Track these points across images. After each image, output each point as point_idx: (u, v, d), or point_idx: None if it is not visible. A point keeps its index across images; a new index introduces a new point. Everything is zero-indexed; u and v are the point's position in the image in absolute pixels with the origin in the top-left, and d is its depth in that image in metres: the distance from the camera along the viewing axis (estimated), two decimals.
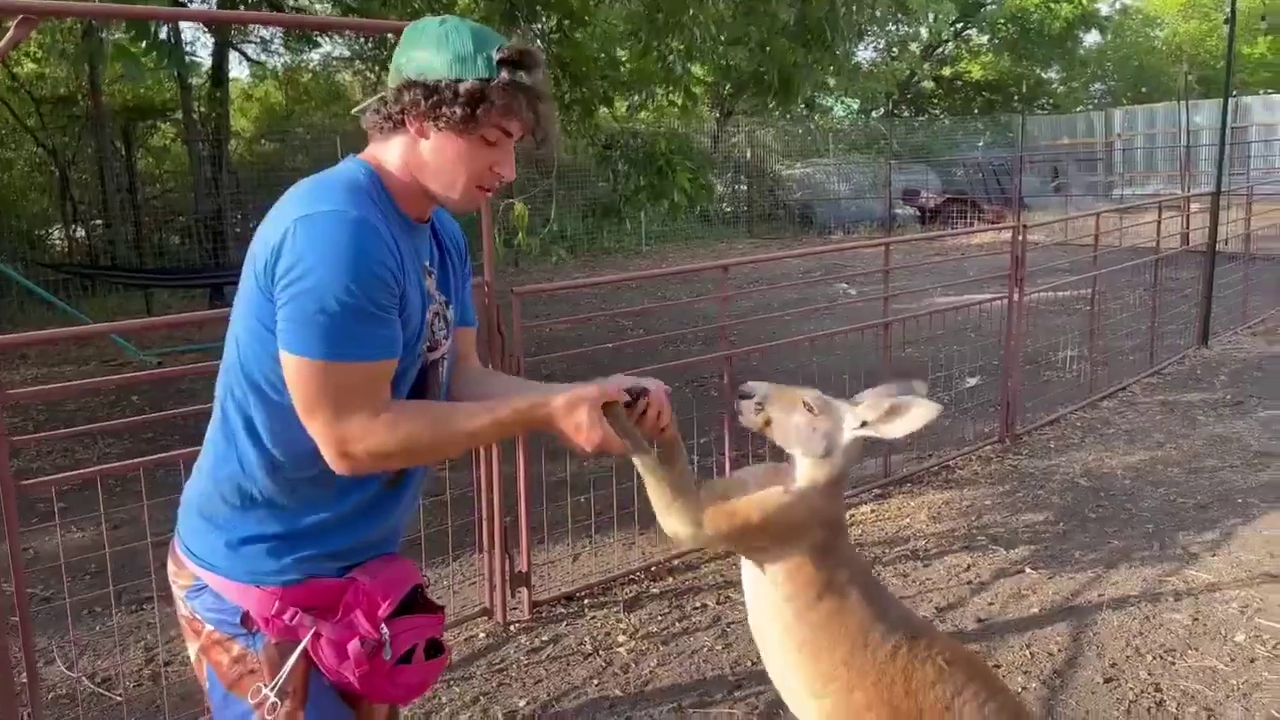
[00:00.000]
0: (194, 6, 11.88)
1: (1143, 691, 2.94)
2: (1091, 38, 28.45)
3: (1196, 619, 3.37)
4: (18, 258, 12.08)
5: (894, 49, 27.10)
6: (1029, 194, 20.68)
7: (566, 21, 6.72)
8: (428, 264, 1.57)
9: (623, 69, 6.96)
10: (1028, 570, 3.80)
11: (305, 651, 1.48)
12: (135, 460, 2.89)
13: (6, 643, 2.50)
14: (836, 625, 1.81)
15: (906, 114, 28.27)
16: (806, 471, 1.85)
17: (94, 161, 13.91)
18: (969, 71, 28.38)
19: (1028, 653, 3.19)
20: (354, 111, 1.56)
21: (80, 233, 14.31)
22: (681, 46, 5.94)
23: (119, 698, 3.12)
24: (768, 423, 1.86)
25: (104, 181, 13.59)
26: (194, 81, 14.66)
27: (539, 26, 6.82)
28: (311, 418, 1.40)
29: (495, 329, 3.34)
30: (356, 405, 1.39)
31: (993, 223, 16.51)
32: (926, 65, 27.38)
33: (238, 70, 18.23)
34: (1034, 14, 25.18)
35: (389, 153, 1.51)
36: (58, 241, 14.36)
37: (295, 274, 1.35)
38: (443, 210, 1.62)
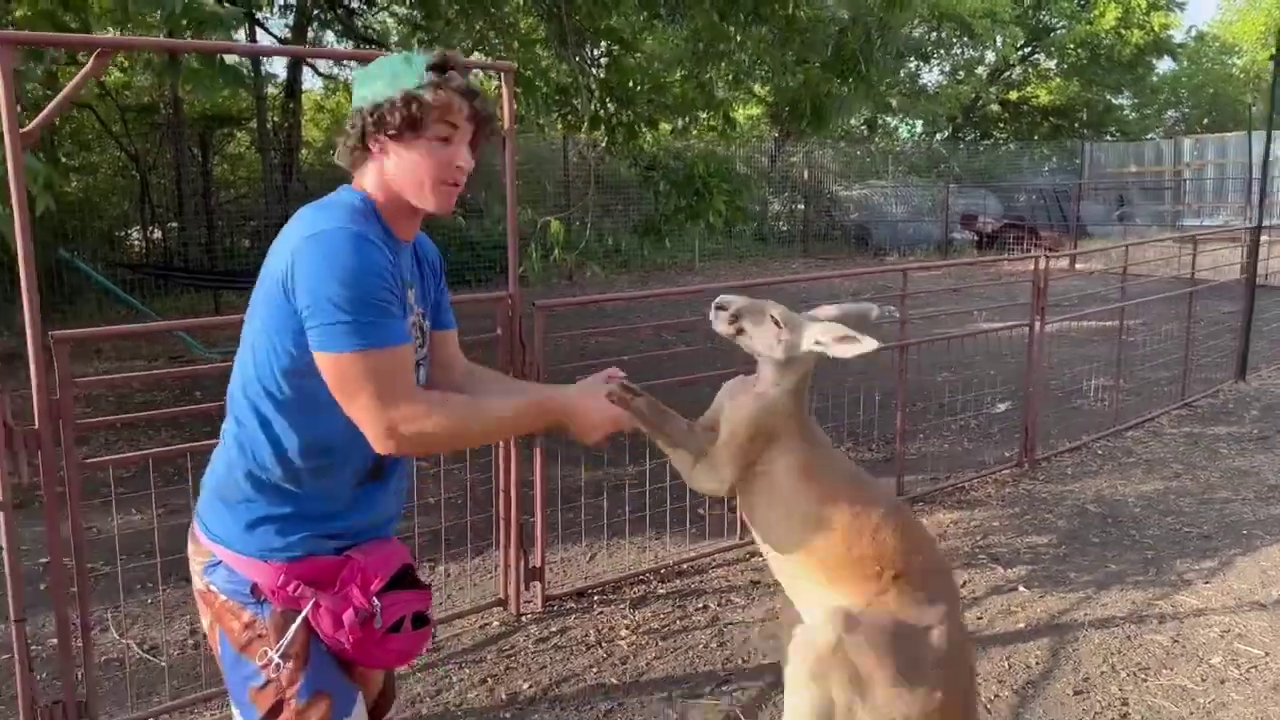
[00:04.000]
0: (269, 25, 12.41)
1: (1109, 705, 3.08)
2: (1165, 64, 28.07)
3: (1176, 641, 3.49)
4: (98, 257, 12.73)
5: (960, 72, 27.04)
6: (1092, 222, 20.49)
7: (616, 48, 7.01)
8: (408, 278, 1.82)
9: (668, 95, 7.22)
10: (1021, 588, 3.94)
11: (306, 620, 1.72)
12: (183, 445, 3.20)
13: (65, 611, 2.82)
14: (827, 497, 2.16)
15: (971, 137, 28.13)
16: (771, 374, 2.20)
17: (172, 167, 14.59)
18: (1036, 96, 28.14)
19: (1006, 664, 3.35)
20: (334, 157, 1.80)
21: (157, 234, 14.99)
22: (721, 72, 6.17)
23: (163, 663, 3.44)
24: (739, 331, 2.21)
25: (180, 186, 14.26)
26: (269, 92, 15.32)
27: (590, 53, 7.11)
28: (354, 404, 1.63)
29: (518, 340, 3.59)
30: (396, 389, 1.63)
31: (1050, 250, 16.44)
32: (993, 89, 27.26)
33: (311, 82, 18.90)
34: (1104, 39, 24.92)
35: (368, 179, 1.76)
36: (136, 243, 15.06)
37: (311, 285, 1.59)
38: (422, 234, 1.88)
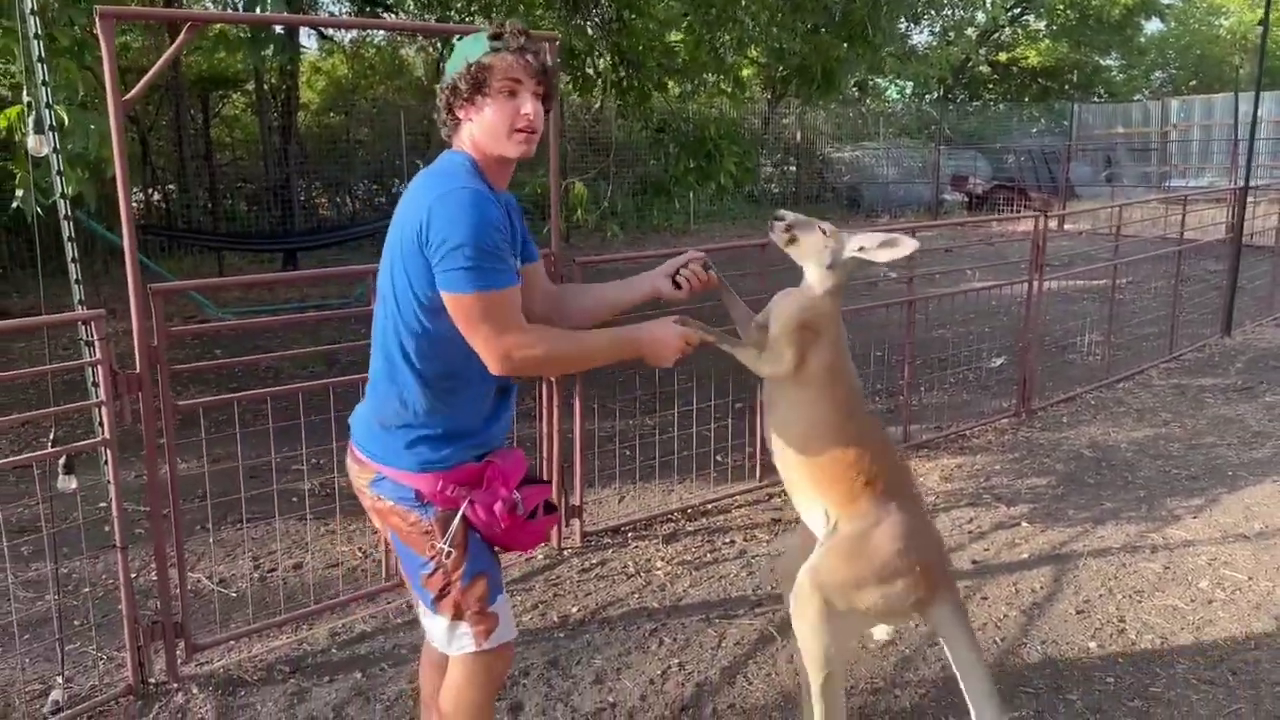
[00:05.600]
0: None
1: (1108, 621, 3.40)
2: (1153, 25, 28.21)
3: (1168, 568, 3.81)
4: (101, 218, 12.84)
5: (950, 33, 27.12)
6: (1080, 183, 20.76)
7: (626, 11, 7.18)
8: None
9: (678, 58, 7.40)
10: (1024, 524, 4.25)
11: (464, 516, 2.05)
12: (294, 385, 3.44)
13: (164, 542, 3.08)
14: (839, 395, 2.48)
15: (960, 99, 28.27)
16: (816, 278, 2.49)
17: (172, 129, 14.64)
18: (1025, 57, 28.25)
19: (1013, 589, 3.66)
20: (442, 131, 2.11)
21: (157, 196, 15.07)
22: (732, 38, 6.35)
23: (233, 594, 3.71)
24: (792, 240, 2.51)
25: (181, 148, 14.33)
26: (266, 54, 15.34)
27: (599, 15, 7.28)
28: (476, 336, 1.93)
29: None
30: (509, 322, 1.93)
31: (1044, 212, 16.71)
32: (982, 50, 27.34)
33: (307, 43, 18.88)
34: (1093, 0, 25.04)
35: (464, 144, 2.06)
36: (137, 204, 15.14)
37: (442, 237, 1.88)
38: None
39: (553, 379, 3.89)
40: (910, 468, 2.76)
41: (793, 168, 21.16)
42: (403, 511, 2.06)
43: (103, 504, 3.27)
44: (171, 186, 14.94)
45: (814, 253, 2.48)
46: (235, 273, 12.18)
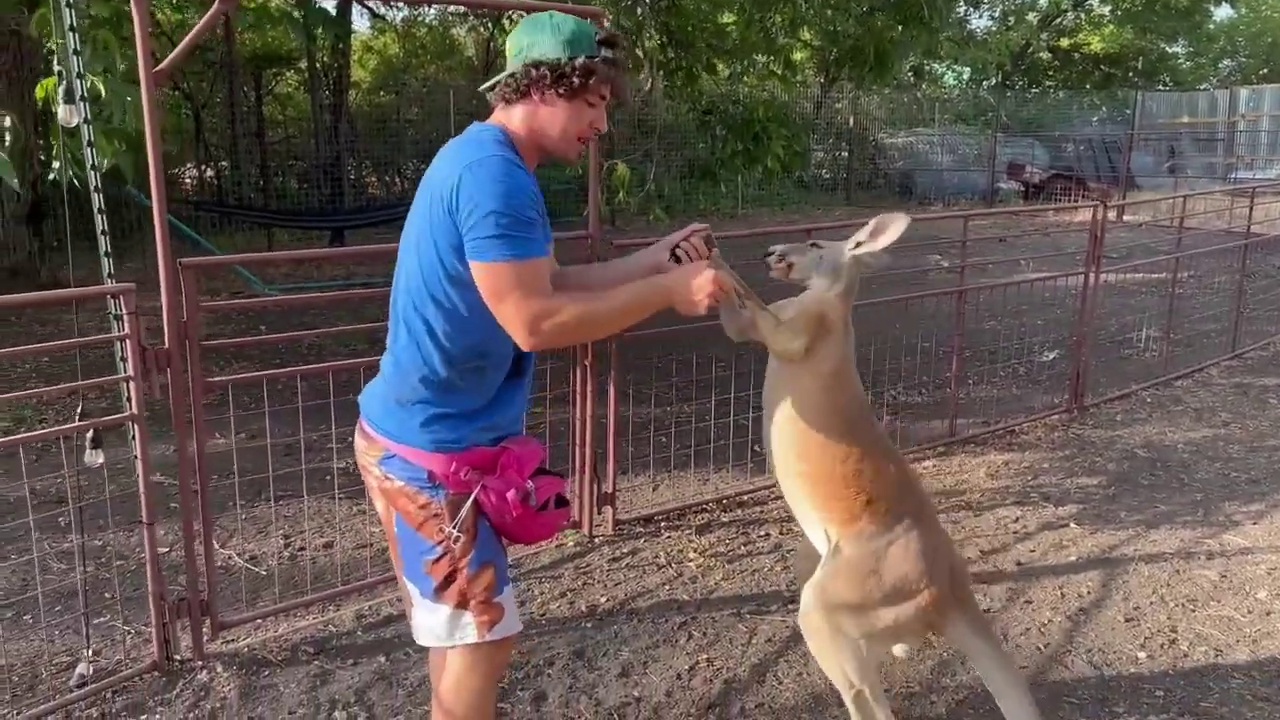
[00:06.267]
0: None
1: (1159, 631, 3.25)
2: (1223, 11, 27.32)
3: (1224, 576, 3.64)
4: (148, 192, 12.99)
5: (1010, 18, 26.49)
6: (1142, 173, 20.18)
7: None
8: None
9: (728, 38, 7.25)
10: (1072, 525, 4.10)
11: (476, 501, 1.97)
12: (326, 364, 3.41)
13: (191, 518, 3.06)
14: (840, 403, 2.43)
15: (1019, 85, 27.63)
16: (824, 283, 2.49)
17: (225, 106, 14.79)
18: (1088, 43, 27.52)
19: (1059, 593, 3.52)
20: (483, 88, 2.04)
21: (210, 173, 15.25)
22: (784, 19, 6.20)
23: (262, 571, 3.70)
24: (790, 267, 2.52)
25: (234, 125, 14.47)
26: (319, 32, 15.41)
27: None
28: (503, 305, 1.84)
29: None
30: (536, 291, 1.85)
31: (1104, 202, 16.25)
32: (1043, 35, 26.69)
33: (359, 23, 18.95)
34: None
35: (513, 118, 1.99)
36: (189, 180, 15.33)
37: (472, 205, 1.81)
38: None
39: (587, 361, 3.82)
40: (918, 477, 2.67)
41: (845, 153, 20.83)
42: (412, 493, 1.99)
43: (136, 477, 3.27)
44: (225, 163, 15.12)
45: (813, 266, 2.51)
46: (284, 249, 12.27)
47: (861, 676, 2.38)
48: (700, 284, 2.00)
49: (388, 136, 16.28)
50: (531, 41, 1.94)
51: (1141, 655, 3.12)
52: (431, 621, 2.03)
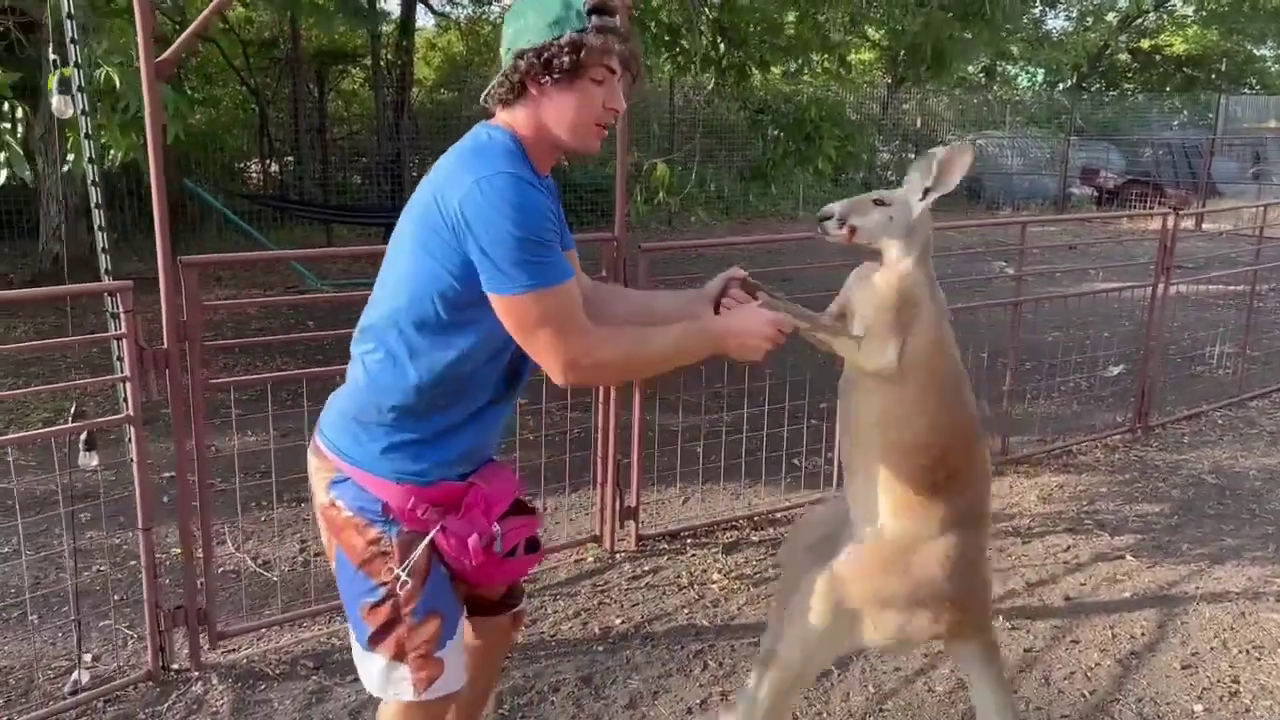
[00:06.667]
0: None
1: (1219, 681, 2.98)
2: None
3: None
4: (219, 188, 13.18)
5: (1088, 18, 25.67)
6: (1224, 180, 19.37)
7: None
8: None
9: (783, 36, 7.04)
10: (1128, 557, 3.82)
11: (432, 541, 1.78)
12: (300, 370, 3.31)
13: (189, 522, 2.97)
14: (940, 366, 2.14)
15: (1096, 88, 26.78)
16: (897, 249, 2.12)
17: (290, 101, 14.95)
18: (1170, 45, 26.55)
19: (1110, 633, 3.26)
20: (482, 98, 1.82)
21: (274, 168, 15.44)
22: (841, 16, 5.98)
23: (275, 578, 3.60)
24: (853, 231, 2.14)
25: (298, 121, 14.63)
26: (384, 30, 15.50)
27: None
28: (535, 342, 1.67)
29: (623, 283, 3.59)
30: (573, 324, 1.67)
31: (1175, 209, 15.63)
32: (1123, 37, 25.83)
33: (424, 20, 19.07)
34: None
35: (518, 119, 1.76)
36: (254, 175, 15.55)
37: (483, 228, 1.61)
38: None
39: None
40: (992, 482, 2.41)
41: (911, 155, 20.36)
42: (361, 525, 1.79)
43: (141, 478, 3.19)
44: (289, 158, 15.30)
45: (883, 229, 2.13)
46: (344, 245, 12.32)
47: (805, 663, 2.21)
48: (758, 329, 1.83)
49: (450, 134, 16.25)
50: (516, 31, 1.74)
51: (1198, 708, 2.85)
52: (366, 669, 1.86)
